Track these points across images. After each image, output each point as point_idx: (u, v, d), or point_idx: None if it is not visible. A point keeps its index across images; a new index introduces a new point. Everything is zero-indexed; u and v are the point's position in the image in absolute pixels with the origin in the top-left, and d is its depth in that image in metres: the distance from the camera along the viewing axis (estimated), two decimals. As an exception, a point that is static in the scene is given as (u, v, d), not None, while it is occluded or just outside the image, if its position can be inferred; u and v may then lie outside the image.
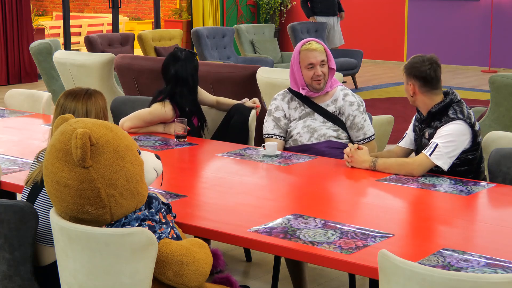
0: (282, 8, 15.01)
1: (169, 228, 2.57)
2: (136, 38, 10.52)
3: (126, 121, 4.35)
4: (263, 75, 5.90)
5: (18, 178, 3.38)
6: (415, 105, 3.70)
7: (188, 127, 4.23)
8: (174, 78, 4.37)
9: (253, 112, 4.54)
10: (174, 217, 2.70)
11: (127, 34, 10.46)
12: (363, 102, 4.17)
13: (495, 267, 2.34)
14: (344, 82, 11.30)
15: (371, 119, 4.30)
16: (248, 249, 4.38)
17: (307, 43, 4.07)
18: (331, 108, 4.10)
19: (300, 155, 3.88)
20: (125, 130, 4.25)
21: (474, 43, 13.29)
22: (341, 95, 4.12)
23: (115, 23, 12.71)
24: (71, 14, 12.77)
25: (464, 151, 3.54)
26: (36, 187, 2.89)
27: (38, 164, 2.97)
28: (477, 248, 2.53)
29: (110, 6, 12.60)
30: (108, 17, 14.28)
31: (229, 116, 4.54)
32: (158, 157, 2.80)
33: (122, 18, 15.12)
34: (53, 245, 2.61)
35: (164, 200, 2.68)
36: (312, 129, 4.07)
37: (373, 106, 9.14)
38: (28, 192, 2.93)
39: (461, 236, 2.76)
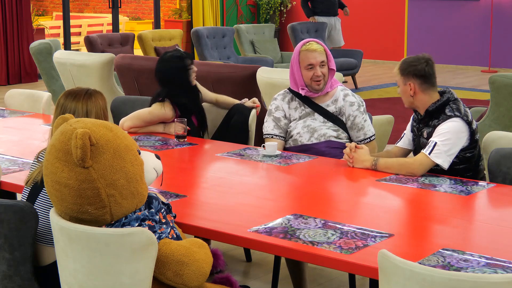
0: (282, 8, 15.01)
1: (169, 228, 2.57)
2: (136, 38, 10.52)
3: (126, 121, 4.36)
4: (263, 75, 5.90)
5: (18, 178, 3.38)
6: (412, 106, 3.71)
7: (188, 127, 4.23)
8: (161, 80, 4.42)
9: (253, 112, 4.54)
10: (174, 217, 2.70)
11: (127, 34, 10.46)
12: (364, 102, 4.17)
13: (495, 267, 2.34)
14: (344, 82, 11.31)
15: (371, 119, 4.31)
16: (248, 249, 4.38)
17: (307, 43, 4.07)
18: (331, 108, 4.10)
19: (300, 155, 3.88)
20: (125, 130, 4.26)
21: (474, 43, 13.29)
22: (342, 96, 4.12)
23: (115, 23, 12.71)
24: (71, 14, 12.77)
25: (462, 149, 3.55)
26: (36, 187, 2.89)
27: (38, 164, 2.97)
28: (477, 248, 2.53)
29: (110, 6, 12.60)
30: (108, 17, 14.28)
31: (229, 116, 4.54)
32: (158, 157, 2.80)
33: (122, 18, 15.12)
34: (53, 245, 2.60)
35: (164, 200, 2.68)
36: (312, 129, 4.07)
37: (373, 106, 9.14)
38: (28, 192, 2.93)
39: (461, 236, 2.76)
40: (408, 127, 3.83)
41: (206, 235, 2.82)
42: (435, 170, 3.54)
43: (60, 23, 14.34)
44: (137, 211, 2.53)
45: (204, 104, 4.64)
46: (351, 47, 12.70)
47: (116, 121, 4.72)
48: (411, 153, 3.83)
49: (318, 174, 3.64)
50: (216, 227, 2.77)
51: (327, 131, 4.06)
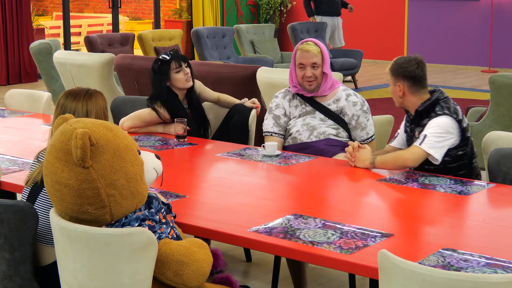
0: (282, 8, 15.01)
1: (169, 228, 2.57)
2: (136, 38, 10.52)
3: (126, 121, 4.36)
4: (263, 75, 5.91)
5: (18, 178, 3.38)
6: (403, 106, 3.72)
7: (188, 127, 4.23)
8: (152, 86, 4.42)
9: (253, 112, 4.54)
10: (174, 217, 2.71)
11: (127, 34, 10.45)
12: (366, 101, 4.19)
13: (495, 267, 2.34)
14: (349, 81, 11.31)
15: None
16: (248, 249, 4.38)
17: (305, 42, 4.10)
18: (332, 107, 4.11)
19: (300, 155, 3.88)
20: (125, 130, 4.25)
21: (474, 43, 13.28)
22: (344, 96, 4.13)
23: (115, 23, 12.71)
24: (71, 14, 12.77)
25: (453, 147, 3.55)
26: (36, 187, 2.89)
27: (38, 164, 2.97)
28: (477, 248, 2.53)
29: (110, 6, 12.60)
30: (108, 17, 14.28)
31: (229, 116, 4.54)
32: (158, 157, 2.80)
33: (122, 18, 15.12)
34: (53, 245, 2.60)
35: (164, 200, 2.68)
36: (311, 127, 4.07)
37: (373, 106, 9.11)
38: (28, 192, 2.93)
39: (461, 236, 2.76)
40: (402, 126, 3.84)
41: (206, 235, 2.82)
42: (435, 170, 3.54)
43: (60, 23, 14.34)
44: (137, 211, 2.53)
45: (205, 103, 4.64)
46: (351, 47, 12.70)
47: (116, 121, 4.72)
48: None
49: (318, 174, 3.64)
50: (216, 227, 2.77)
51: (326, 129, 4.07)
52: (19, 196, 3.18)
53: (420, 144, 3.47)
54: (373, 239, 2.60)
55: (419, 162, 3.48)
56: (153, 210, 2.56)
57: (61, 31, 13.92)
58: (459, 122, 3.56)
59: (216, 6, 13.99)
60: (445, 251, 2.47)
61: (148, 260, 2.44)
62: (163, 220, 2.57)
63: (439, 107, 3.58)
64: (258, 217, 2.85)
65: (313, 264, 2.72)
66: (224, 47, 10.94)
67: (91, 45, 9.66)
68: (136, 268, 2.43)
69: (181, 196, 3.12)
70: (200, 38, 10.58)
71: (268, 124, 4.14)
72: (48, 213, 2.77)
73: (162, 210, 2.59)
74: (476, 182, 3.37)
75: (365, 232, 2.67)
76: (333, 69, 9.25)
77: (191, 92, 4.45)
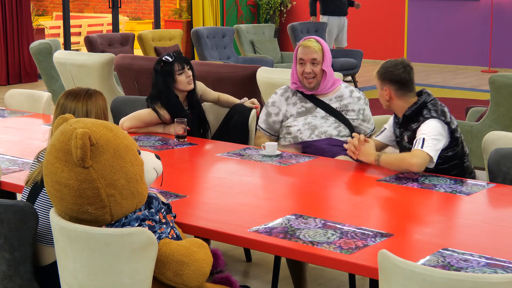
0: (282, 8, 15.01)
1: (169, 228, 2.57)
2: (136, 38, 10.52)
3: (126, 121, 4.35)
4: (263, 75, 5.91)
5: (18, 178, 3.38)
6: (390, 109, 3.71)
7: (188, 127, 4.23)
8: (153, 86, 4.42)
9: (253, 112, 4.54)
10: (174, 217, 2.70)
11: (127, 34, 10.45)
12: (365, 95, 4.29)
13: (495, 267, 2.33)
14: (349, 81, 11.31)
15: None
16: (248, 249, 4.38)
17: (307, 39, 4.13)
18: (334, 105, 4.12)
19: (300, 155, 3.88)
20: (125, 130, 4.25)
21: (474, 43, 13.28)
22: (347, 92, 4.16)
23: (115, 23, 12.71)
24: (71, 14, 12.77)
25: (443, 148, 3.54)
26: (36, 187, 2.89)
27: (38, 164, 2.97)
28: (477, 248, 2.53)
29: (110, 6, 12.60)
30: (108, 17, 14.28)
31: (229, 116, 4.54)
32: (158, 157, 2.80)
33: (122, 18, 15.12)
34: (53, 245, 2.60)
35: (164, 200, 2.68)
36: (313, 126, 4.08)
37: (373, 106, 9.10)
38: (28, 192, 2.93)
39: (461, 236, 2.76)
40: (390, 124, 3.81)
41: (206, 235, 2.82)
42: (435, 170, 3.54)
43: (60, 23, 14.34)
44: (137, 211, 2.53)
45: (205, 103, 4.64)
46: (351, 47, 12.69)
47: (116, 121, 4.72)
48: (389, 148, 3.85)
49: (318, 174, 3.64)
50: (216, 227, 2.77)
51: (327, 129, 4.08)
52: (19, 196, 3.18)
53: (422, 147, 3.44)
54: (373, 239, 2.60)
55: (424, 167, 3.43)
56: (153, 210, 2.56)
57: (61, 31, 13.92)
58: (448, 124, 3.55)
59: (216, 6, 13.99)
60: (445, 251, 2.47)
61: (148, 260, 2.44)
62: (163, 220, 2.57)
63: (426, 110, 3.57)
64: (258, 217, 2.85)
65: (313, 264, 2.72)
66: (224, 47, 10.94)
67: (91, 45, 9.66)
68: (136, 268, 2.43)
69: (181, 196, 3.12)
70: (200, 38, 10.58)
71: (261, 118, 4.26)
72: (48, 213, 2.77)
73: (162, 210, 2.59)
74: (476, 182, 3.37)
75: (365, 232, 2.67)
76: (334, 69, 9.24)
77: (192, 94, 4.45)
